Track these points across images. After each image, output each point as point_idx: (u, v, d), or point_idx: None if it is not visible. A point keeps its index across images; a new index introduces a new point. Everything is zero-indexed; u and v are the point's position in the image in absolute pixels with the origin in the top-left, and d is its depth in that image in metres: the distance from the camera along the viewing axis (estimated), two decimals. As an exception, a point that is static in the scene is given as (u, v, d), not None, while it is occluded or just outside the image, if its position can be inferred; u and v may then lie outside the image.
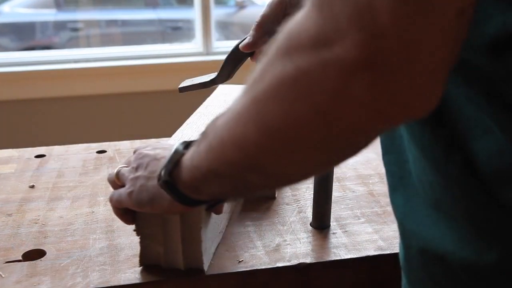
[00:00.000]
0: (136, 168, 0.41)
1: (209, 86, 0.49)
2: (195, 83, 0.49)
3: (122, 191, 0.42)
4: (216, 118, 0.31)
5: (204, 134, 0.33)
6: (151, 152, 0.42)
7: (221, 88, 0.68)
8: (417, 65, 0.22)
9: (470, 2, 0.22)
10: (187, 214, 0.42)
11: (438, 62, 0.22)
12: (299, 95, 0.24)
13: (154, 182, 0.39)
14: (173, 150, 0.36)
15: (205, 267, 0.44)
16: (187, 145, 0.37)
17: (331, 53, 0.22)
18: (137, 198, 0.40)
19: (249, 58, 0.51)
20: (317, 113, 0.24)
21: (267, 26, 0.50)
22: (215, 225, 0.47)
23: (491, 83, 0.27)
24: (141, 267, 0.45)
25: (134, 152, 0.45)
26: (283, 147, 0.26)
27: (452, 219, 0.30)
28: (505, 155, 0.27)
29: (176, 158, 0.36)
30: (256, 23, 0.50)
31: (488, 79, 0.25)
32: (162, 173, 0.36)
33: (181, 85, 0.49)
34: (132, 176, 0.41)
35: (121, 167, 0.44)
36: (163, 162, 0.37)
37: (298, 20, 0.24)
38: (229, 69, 0.48)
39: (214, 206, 0.42)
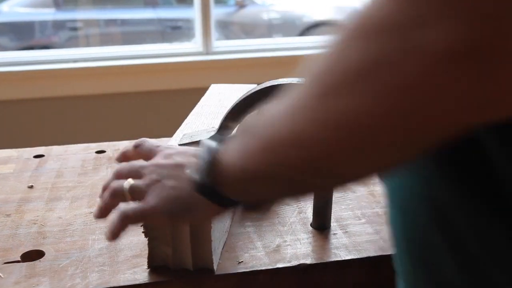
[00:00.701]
0: (156, 180, 0.37)
1: None
2: (194, 139, 0.49)
3: (146, 204, 0.37)
4: (263, 115, 0.28)
5: (248, 132, 0.29)
6: (168, 161, 0.38)
7: (215, 87, 0.68)
8: None
9: None
10: None
11: None
12: (384, 88, 0.20)
13: (184, 190, 0.35)
14: (207, 151, 0.32)
15: (215, 267, 0.44)
16: (219, 143, 0.33)
17: (423, 39, 0.19)
18: (168, 209, 0.36)
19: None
20: (408, 108, 0.20)
21: None
22: (221, 224, 0.47)
23: None
24: (138, 267, 0.45)
25: (134, 154, 0.41)
26: (357, 145, 0.23)
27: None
28: None
29: (212, 160, 0.32)
30: None
31: None
32: (199, 176, 0.33)
33: (181, 142, 0.50)
34: (154, 187, 0.37)
35: (132, 183, 0.39)
36: (194, 164, 0.34)
37: (376, 3, 0.21)
38: (229, 124, 0.48)
39: (256, 208, 0.39)
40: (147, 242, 0.44)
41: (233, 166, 0.31)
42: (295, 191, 0.30)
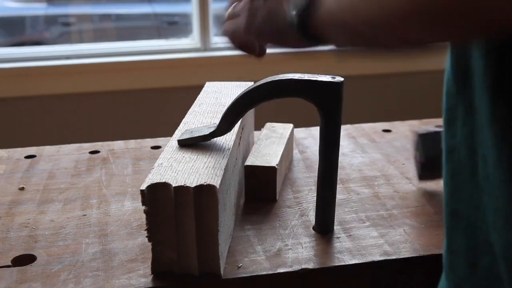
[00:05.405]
0: (253, 8, 0.40)
1: (209, 139, 0.49)
2: (194, 135, 0.49)
3: (239, 20, 0.41)
4: None
5: None
6: None
7: (211, 85, 0.67)
8: None
9: None
10: (203, 217, 0.41)
11: None
12: None
13: (278, 15, 0.38)
14: None
15: (222, 271, 0.43)
16: None
17: None
18: (259, 28, 0.39)
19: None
20: None
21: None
22: (226, 227, 0.46)
23: None
24: (134, 272, 0.44)
25: None
26: (430, 11, 0.24)
27: None
28: None
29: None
30: None
31: None
32: (294, 9, 0.35)
33: (181, 137, 0.49)
34: (249, 5, 0.40)
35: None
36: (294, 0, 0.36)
37: None
38: (229, 121, 0.47)
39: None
40: (145, 246, 0.43)
41: (325, 8, 0.33)
42: (363, 45, 0.33)
